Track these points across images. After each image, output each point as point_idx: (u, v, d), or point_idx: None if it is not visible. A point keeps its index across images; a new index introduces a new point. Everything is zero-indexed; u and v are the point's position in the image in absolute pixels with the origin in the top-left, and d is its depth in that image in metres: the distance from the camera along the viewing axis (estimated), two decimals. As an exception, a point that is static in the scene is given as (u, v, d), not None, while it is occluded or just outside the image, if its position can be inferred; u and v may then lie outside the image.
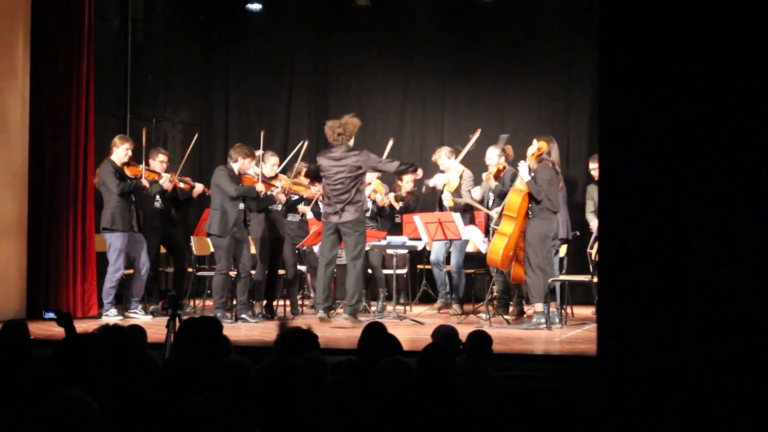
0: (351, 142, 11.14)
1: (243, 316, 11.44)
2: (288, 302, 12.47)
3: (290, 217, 12.20)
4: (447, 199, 12.53)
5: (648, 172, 3.16)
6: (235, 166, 11.56)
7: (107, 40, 13.83)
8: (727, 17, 3.15)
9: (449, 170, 12.59)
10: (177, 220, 12.60)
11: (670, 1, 3.17)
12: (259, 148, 11.98)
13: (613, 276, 3.20)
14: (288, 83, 15.61)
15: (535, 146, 10.97)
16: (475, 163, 12.93)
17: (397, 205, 13.07)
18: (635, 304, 3.15)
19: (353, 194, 10.97)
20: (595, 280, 10.37)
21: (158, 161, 12.23)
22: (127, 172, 11.81)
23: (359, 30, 15.22)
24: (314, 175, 11.37)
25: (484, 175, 12.16)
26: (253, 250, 11.97)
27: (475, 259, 12.99)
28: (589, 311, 12.37)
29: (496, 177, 11.76)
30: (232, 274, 11.62)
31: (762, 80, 3.12)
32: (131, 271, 11.82)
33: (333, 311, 11.29)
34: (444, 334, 6.74)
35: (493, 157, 11.99)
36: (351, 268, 11.01)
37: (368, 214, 12.60)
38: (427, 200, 13.46)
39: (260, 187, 11.54)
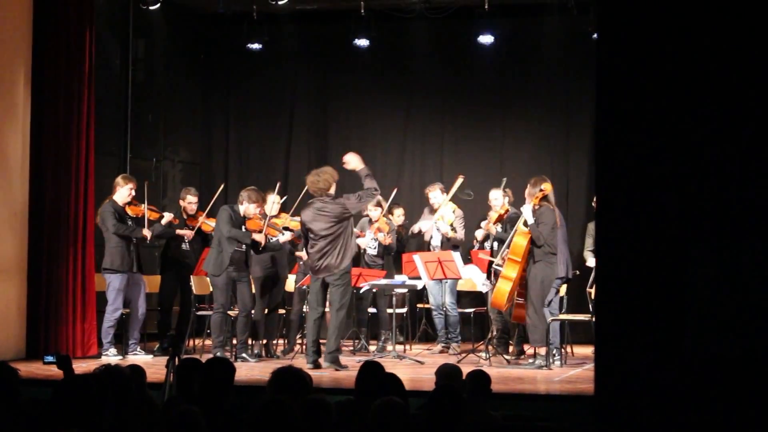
0: (332, 191, 10.94)
1: (243, 355, 11.42)
2: (286, 341, 12.48)
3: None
4: (447, 231, 12.54)
5: (644, 211, 3.17)
6: (241, 209, 11.57)
7: (108, 79, 13.87)
8: (722, 58, 3.17)
9: (441, 207, 12.63)
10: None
11: (665, 39, 3.19)
12: (273, 192, 12.04)
13: (611, 315, 3.21)
14: (288, 122, 15.66)
15: (538, 188, 10.97)
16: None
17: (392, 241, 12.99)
18: (632, 344, 3.15)
19: (341, 243, 10.74)
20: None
21: (187, 202, 12.39)
22: (129, 211, 11.85)
23: (359, 70, 15.27)
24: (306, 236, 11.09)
25: (483, 224, 12.21)
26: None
27: (474, 299, 12.98)
28: (589, 350, 12.36)
29: (499, 221, 11.75)
30: (233, 313, 11.61)
31: (759, 117, 3.13)
32: (129, 310, 11.84)
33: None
34: (447, 373, 6.72)
35: (498, 198, 12.02)
36: (334, 318, 10.81)
37: (375, 252, 12.59)
38: (411, 244, 13.47)
39: (259, 237, 11.49)
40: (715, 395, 3.07)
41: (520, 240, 10.85)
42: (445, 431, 5.18)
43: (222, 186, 12.77)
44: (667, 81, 3.22)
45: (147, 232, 11.81)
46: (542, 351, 10.79)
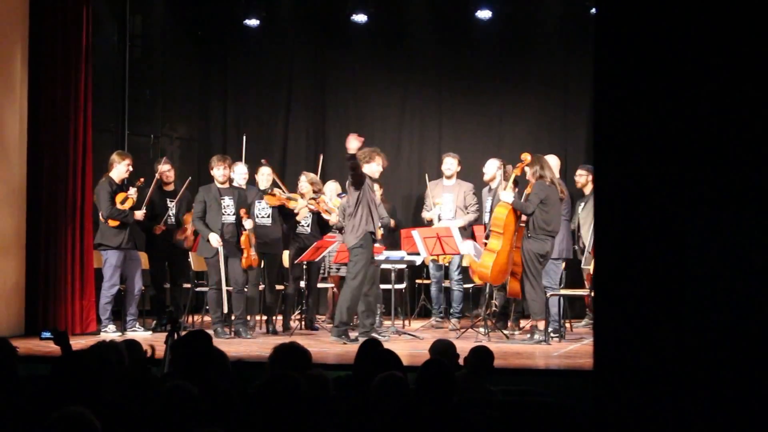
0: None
1: (239, 330, 11.43)
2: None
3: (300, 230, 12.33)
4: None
5: (643, 183, 3.16)
6: (216, 182, 11.64)
7: (105, 56, 13.85)
8: (721, 36, 3.16)
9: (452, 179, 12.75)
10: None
11: (664, 15, 3.18)
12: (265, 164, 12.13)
13: (609, 289, 3.21)
14: (286, 98, 15.62)
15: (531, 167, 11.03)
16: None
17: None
18: (631, 317, 3.15)
19: (351, 219, 11.09)
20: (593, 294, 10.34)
21: (160, 171, 12.41)
22: (117, 199, 11.78)
23: (357, 45, 15.24)
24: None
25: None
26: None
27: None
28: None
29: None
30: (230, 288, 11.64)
31: (756, 91, 3.13)
32: (125, 287, 11.86)
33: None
34: (441, 350, 6.73)
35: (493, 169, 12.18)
36: (345, 290, 11.04)
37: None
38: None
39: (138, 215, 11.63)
40: (714, 368, 3.08)
41: (500, 211, 10.88)
42: (434, 404, 5.18)
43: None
44: (666, 56, 3.21)
45: (140, 215, 11.79)
46: (541, 326, 10.80)
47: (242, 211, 11.50)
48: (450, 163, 12.95)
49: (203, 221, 11.52)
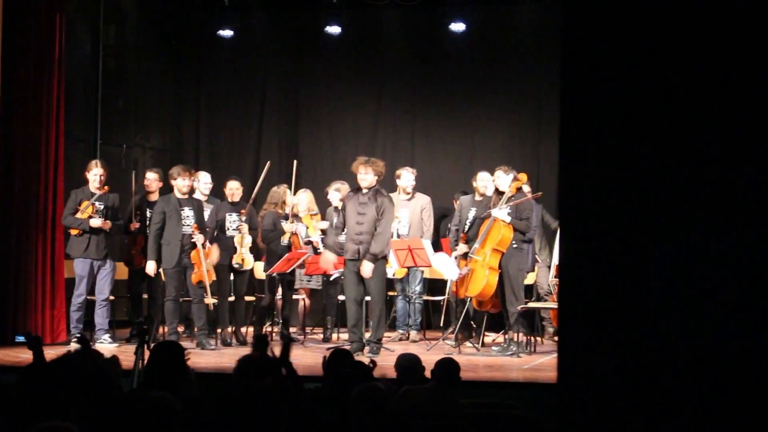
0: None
1: (202, 341, 11.36)
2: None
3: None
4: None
5: (607, 201, 3.19)
6: (178, 192, 11.56)
7: (78, 65, 13.80)
8: (688, 53, 3.19)
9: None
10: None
11: (630, 30, 3.21)
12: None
13: (573, 305, 3.23)
14: (259, 109, 15.62)
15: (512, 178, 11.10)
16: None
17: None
18: (595, 333, 3.17)
19: None
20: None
21: (146, 180, 12.34)
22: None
23: (330, 57, 15.24)
24: None
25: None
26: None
27: (443, 287, 12.98)
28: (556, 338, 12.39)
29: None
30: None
31: (726, 109, 3.16)
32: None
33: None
34: (406, 364, 6.74)
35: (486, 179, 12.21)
36: None
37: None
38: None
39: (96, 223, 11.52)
40: (675, 384, 3.10)
41: (507, 233, 10.89)
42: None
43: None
44: (632, 73, 3.23)
45: (97, 222, 11.68)
46: (517, 338, 10.88)
47: (194, 227, 11.40)
48: (409, 179, 12.87)
49: (158, 238, 11.44)
